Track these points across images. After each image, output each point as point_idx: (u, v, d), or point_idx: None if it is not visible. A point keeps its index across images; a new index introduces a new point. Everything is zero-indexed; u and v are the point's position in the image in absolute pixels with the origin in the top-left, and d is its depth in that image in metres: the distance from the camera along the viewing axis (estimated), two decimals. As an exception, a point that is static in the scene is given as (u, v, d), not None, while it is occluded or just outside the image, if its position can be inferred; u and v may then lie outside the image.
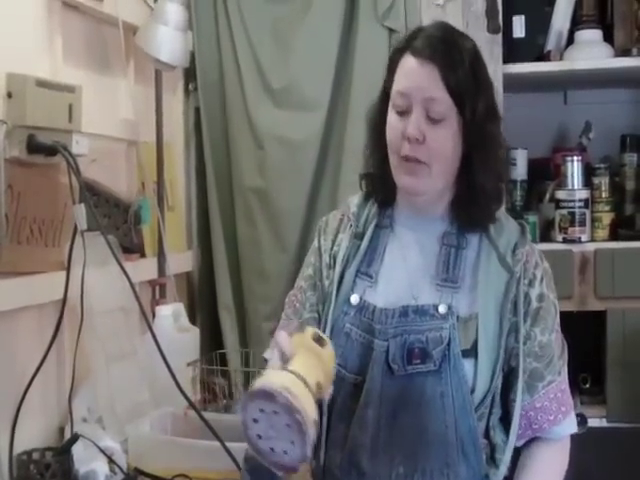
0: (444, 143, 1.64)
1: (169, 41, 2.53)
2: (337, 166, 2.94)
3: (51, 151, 2.02)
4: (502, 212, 1.77)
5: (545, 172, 3.23)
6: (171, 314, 2.65)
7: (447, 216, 1.74)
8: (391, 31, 2.90)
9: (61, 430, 2.21)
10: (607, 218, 3.00)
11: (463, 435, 1.63)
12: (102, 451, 2.03)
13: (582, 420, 2.78)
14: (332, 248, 1.80)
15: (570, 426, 1.73)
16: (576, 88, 3.35)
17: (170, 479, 2.07)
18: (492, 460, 1.68)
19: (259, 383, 1.38)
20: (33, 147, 1.99)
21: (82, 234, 2.05)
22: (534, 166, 3.23)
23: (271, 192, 2.97)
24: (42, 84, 2.02)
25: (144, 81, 2.78)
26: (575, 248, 2.93)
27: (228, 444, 1.93)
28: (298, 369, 1.42)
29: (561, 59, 2.99)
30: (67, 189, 2.05)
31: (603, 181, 3.03)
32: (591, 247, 2.93)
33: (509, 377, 1.68)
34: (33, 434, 2.11)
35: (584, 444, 1.75)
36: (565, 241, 2.96)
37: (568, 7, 3.04)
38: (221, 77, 3.04)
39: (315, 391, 1.42)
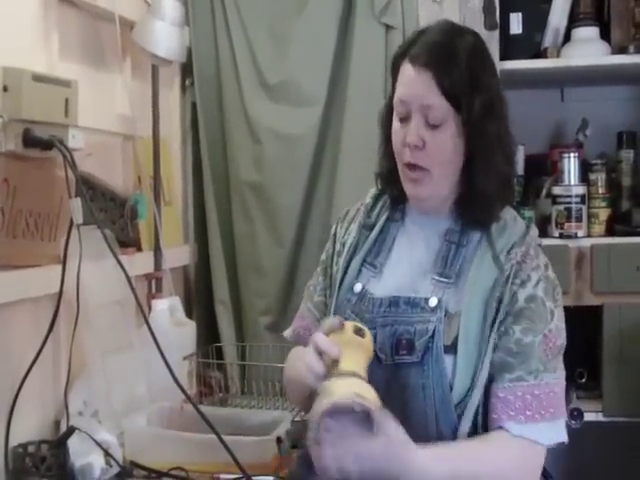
0: (444, 147, 1.66)
1: (166, 36, 2.52)
2: (334, 161, 2.94)
3: (47, 145, 2.02)
4: (511, 213, 1.77)
5: (542, 168, 3.24)
6: (167, 308, 2.65)
7: (452, 214, 1.76)
8: (388, 27, 2.90)
9: (57, 423, 2.21)
10: (603, 214, 3.01)
11: (443, 428, 1.64)
12: (98, 444, 2.02)
13: (578, 414, 2.79)
14: (344, 236, 1.86)
15: (536, 433, 1.63)
16: (573, 85, 3.35)
17: (166, 472, 2.08)
18: None
19: (330, 399, 1.43)
20: (29, 141, 1.99)
21: (78, 228, 2.05)
22: (531, 162, 3.24)
23: (268, 187, 2.97)
24: (38, 78, 2.02)
25: (141, 76, 2.78)
26: (571, 243, 2.94)
27: (224, 437, 1.93)
28: (352, 368, 1.51)
29: (558, 56, 3.00)
30: (63, 183, 2.04)
31: (600, 177, 3.04)
32: (587, 243, 2.94)
33: None
34: (29, 427, 2.11)
35: (580, 438, 1.74)
36: (562, 236, 2.97)
37: (565, 4, 3.04)
38: (218, 72, 3.04)
39: (366, 378, 1.52)
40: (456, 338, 1.65)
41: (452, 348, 1.65)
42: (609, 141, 3.19)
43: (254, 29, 2.99)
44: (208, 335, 3.01)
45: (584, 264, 2.92)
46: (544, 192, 3.13)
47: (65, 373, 2.14)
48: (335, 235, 1.90)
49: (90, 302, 2.18)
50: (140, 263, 2.65)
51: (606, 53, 2.96)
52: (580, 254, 2.93)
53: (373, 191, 1.89)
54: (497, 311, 1.65)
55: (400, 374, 1.65)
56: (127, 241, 2.59)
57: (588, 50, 2.95)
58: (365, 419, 1.43)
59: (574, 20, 3.03)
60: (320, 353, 1.56)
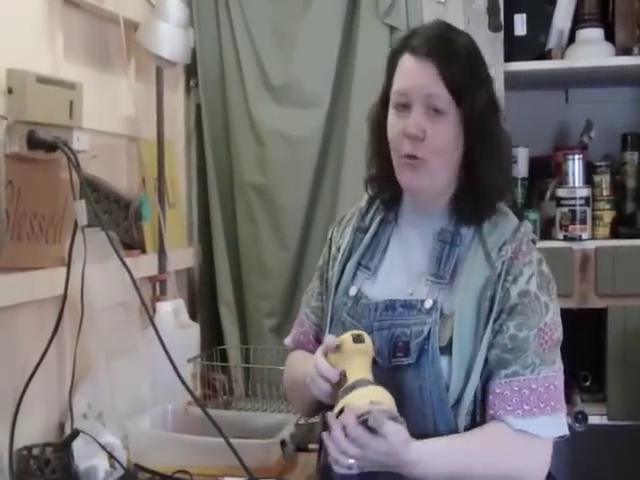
0: (444, 138, 1.67)
1: (170, 38, 2.52)
2: (338, 163, 2.94)
3: (52, 147, 2.02)
4: (503, 211, 1.77)
5: (546, 170, 3.23)
6: (171, 310, 2.65)
7: (447, 212, 1.75)
8: (392, 28, 2.90)
9: (61, 426, 2.21)
10: (608, 216, 3.00)
11: (441, 429, 1.64)
12: (102, 447, 2.02)
13: (583, 417, 2.78)
14: (339, 240, 1.87)
15: (534, 427, 1.64)
16: (577, 86, 3.34)
17: (170, 475, 2.08)
18: None
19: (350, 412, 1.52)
20: (34, 143, 1.99)
21: (82, 230, 2.05)
22: (535, 164, 3.23)
23: (272, 189, 2.97)
24: (43, 80, 2.02)
25: (145, 78, 2.78)
26: (576, 246, 2.93)
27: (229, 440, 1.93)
28: (359, 376, 1.58)
29: (562, 57, 2.99)
30: (67, 185, 2.05)
31: (604, 179, 3.03)
32: (592, 245, 2.93)
33: None
34: (33, 429, 2.11)
35: (585, 442, 1.73)
36: (566, 239, 2.96)
37: (569, 5, 3.04)
38: (222, 74, 3.04)
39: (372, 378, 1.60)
40: (451, 339, 1.65)
41: (447, 349, 1.65)
42: (613, 143, 3.18)
43: (258, 30, 2.99)
44: (212, 337, 3.01)
45: (588, 266, 2.91)
46: (548, 194, 3.12)
47: (69, 375, 2.14)
48: (331, 240, 1.91)
49: (94, 304, 2.18)
50: (144, 265, 2.65)
51: (611, 54, 2.96)
52: (584, 256, 2.92)
53: (367, 196, 1.89)
54: (490, 310, 1.65)
55: (397, 376, 1.66)
56: (131, 243, 2.59)
57: (593, 51, 2.95)
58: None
59: (578, 21, 3.02)
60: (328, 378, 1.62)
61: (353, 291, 1.77)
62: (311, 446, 2.18)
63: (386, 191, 1.82)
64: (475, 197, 1.71)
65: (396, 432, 1.52)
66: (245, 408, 2.71)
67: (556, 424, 1.67)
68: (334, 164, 2.96)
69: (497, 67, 2.77)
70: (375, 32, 2.90)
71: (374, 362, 1.65)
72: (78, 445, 2.00)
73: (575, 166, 2.99)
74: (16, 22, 2.10)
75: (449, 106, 1.65)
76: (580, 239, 2.94)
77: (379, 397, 1.54)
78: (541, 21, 3.04)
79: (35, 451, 1.99)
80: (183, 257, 3.01)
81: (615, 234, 2.98)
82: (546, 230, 3.08)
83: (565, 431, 1.68)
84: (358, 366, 1.60)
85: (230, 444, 1.89)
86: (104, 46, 2.57)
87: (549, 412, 1.65)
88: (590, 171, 3.03)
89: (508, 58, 2.91)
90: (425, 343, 1.65)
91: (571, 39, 3.03)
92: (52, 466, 1.96)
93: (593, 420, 2.85)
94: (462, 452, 1.63)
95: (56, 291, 2.08)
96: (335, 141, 2.97)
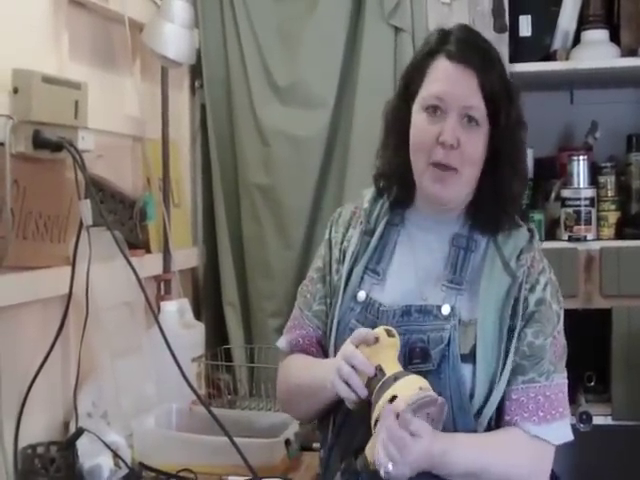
0: (476, 148, 1.65)
1: (175, 38, 2.52)
2: (343, 163, 2.94)
3: (57, 147, 2.02)
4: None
5: (551, 171, 3.22)
6: (176, 310, 2.65)
7: (462, 218, 1.74)
8: (397, 29, 2.90)
9: (66, 424, 2.21)
10: (613, 217, 3.00)
11: None
12: (107, 446, 2.03)
13: (587, 418, 2.78)
14: (342, 242, 1.82)
15: (548, 433, 1.66)
16: (582, 88, 3.34)
17: (175, 474, 2.09)
18: None
19: (406, 399, 1.50)
20: (39, 142, 1.99)
21: (87, 229, 2.05)
22: (540, 165, 3.23)
23: (277, 189, 2.97)
24: (48, 80, 2.02)
25: (150, 78, 2.78)
26: (580, 246, 2.93)
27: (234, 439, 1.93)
28: (396, 369, 1.57)
29: (567, 59, 2.99)
30: (73, 185, 2.05)
31: (609, 180, 3.02)
32: (596, 245, 2.93)
33: None
34: (38, 428, 2.11)
35: (589, 442, 1.74)
36: (571, 239, 2.95)
37: (575, 7, 3.03)
38: (227, 74, 3.05)
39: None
40: (473, 347, 1.64)
41: (470, 357, 1.64)
42: (618, 144, 3.17)
43: (263, 31, 2.99)
44: (217, 337, 3.01)
45: (593, 267, 2.91)
46: (553, 195, 3.12)
47: (74, 374, 2.15)
48: (330, 240, 1.85)
49: (99, 304, 2.18)
50: (149, 265, 2.65)
51: (616, 56, 2.95)
52: (589, 257, 2.92)
53: (369, 195, 1.84)
54: (513, 318, 1.65)
55: None
56: (136, 243, 2.60)
57: (598, 53, 2.94)
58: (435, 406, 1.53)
59: (584, 22, 3.02)
60: (353, 366, 1.58)
61: (361, 296, 1.74)
62: (315, 445, 2.18)
63: (397, 191, 1.79)
64: (496, 209, 1.70)
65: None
66: (249, 407, 2.71)
67: (565, 430, 1.69)
68: (339, 164, 2.96)
69: (502, 68, 2.77)
70: (380, 33, 2.90)
71: None
72: (83, 444, 2.01)
73: (580, 167, 2.98)
74: (21, 22, 2.11)
75: (484, 118, 1.64)
76: (585, 240, 2.94)
77: (425, 384, 1.53)
78: (546, 22, 3.04)
79: (40, 450, 2.00)
80: (188, 257, 3.01)
81: (620, 235, 2.98)
82: (551, 231, 3.07)
83: (571, 437, 1.69)
84: (392, 359, 1.59)
85: (234, 443, 1.90)
86: (109, 46, 2.57)
87: (559, 418, 1.67)
88: (595, 172, 3.03)
89: (513, 59, 2.90)
90: (446, 350, 1.64)
91: (576, 40, 3.03)
92: (57, 465, 1.96)
93: (598, 420, 2.84)
94: (479, 450, 1.63)
95: (61, 290, 2.08)
96: (340, 141, 2.97)
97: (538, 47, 3.04)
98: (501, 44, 2.85)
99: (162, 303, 2.65)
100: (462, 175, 1.66)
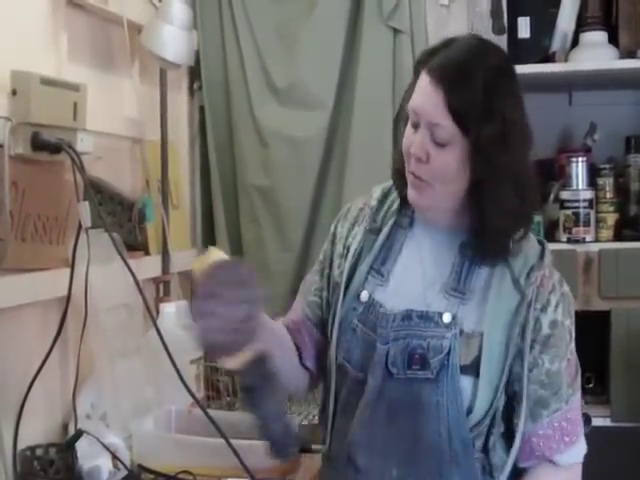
0: (447, 166, 1.58)
1: (174, 40, 2.52)
2: (342, 165, 2.94)
3: (56, 148, 2.02)
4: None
5: (550, 172, 3.22)
6: (175, 311, 2.64)
7: (467, 228, 1.67)
8: (396, 31, 2.91)
9: (65, 426, 2.22)
10: (611, 219, 3.00)
11: (456, 447, 1.61)
12: (106, 447, 2.03)
13: (586, 420, 2.77)
14: (347, 238, 1.79)
15: (575, 455, 1.68)
16: (581, 89, 3.34)
17: (173, 476, 2.08)
18: (491, 477, 1.66)
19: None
20: (38, 144, 1.99)
21: (86, 231, 2.05)
22: (539, 166, 3.17)
23: (275, 191, 2.97)
24: (47, 82, 2.02)
25: (149, 80, 2.78)
26: (579, 248, 2.93)
27: (231, 441, 1.93)
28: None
29: (566, 60, 2.99)
30: (71, 186, 2.05)
31: (607, 182, 3.03)
32: (595, 247, 2.93)
33: (512, 400, 1.64)
34: (37, 430, 2.12)
35: (588, 444, 1.73)
36: (569, 241, 2.96)
37: (573, 8, 3.04)
38: (226, 76, 3.05)
39: None
40: (476, 359, 1.61)
41: (471, 369, 1.61)
42: (617, 145, 3.18)
43: (262, 32, 3.00)
44: (215, 339, 3.00)
45: (592, 269, 2.91)
46: (552, 197, 3.12)
47: (73, 376, 2.15)
48: (335, 235, 1.82)
49: (98, 305, 2.18)
50: (148, 267, 2.65)
51: (614, 57, 2.95)
52: (588, 259, 2.92)
53: (377, 192, 1.81)
54: (522, 337, 1.62)
55: (413, 390, 1.62)
56: (135, 245, 2.60)
57: (596, 54, 2.95)
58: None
59: (582, 24, 3.02)
60: None
61: (364, 296, 1.71)
62: (314, 447, 2.18)
63: (403, 190, 1.74)
64: (484, 240, 1.64)
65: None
66: (248, 409, 2.71)
67: (584, 443, 1.70)
68: (338, 166, 2.97)
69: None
70: (379, 34, 2.91)
71: (387, 372, 1.63)
72: (82, 446, 2.01)
73: (579, 169, 2.99)
74: (20, 24, 2.11)
75: (454, 136, 1.56)
76: (583, 241, 2.94)
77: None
78: (545, 24, 3.05)
79: (39, 451, 2.00)
80: (186, 258, 3.00)
81: (619, 236, 2.98)
82: (550, 232, 3.07)
83: (586, 448, 1.71)
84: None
85: (231, 445, 1.89)
86: (108, 48, 2.57)
87: (579, 434, 1.69)
88: (594, 174, 3.03)
89: (512, 61, 2.90)
90: (445, 359, 1.61)
91: (575, 42, 3.03)
92: (56, 467, 1.96)
93: (596, 422, 2.84)
94: None
95: (60, 292, 2.08)
96: (339, 143, 2.97)
97: (537, 49, 3.05)
98: (500, 46, 2.85)
99: (161, 305, 2.64)
100: (435, 189, 1.61)
